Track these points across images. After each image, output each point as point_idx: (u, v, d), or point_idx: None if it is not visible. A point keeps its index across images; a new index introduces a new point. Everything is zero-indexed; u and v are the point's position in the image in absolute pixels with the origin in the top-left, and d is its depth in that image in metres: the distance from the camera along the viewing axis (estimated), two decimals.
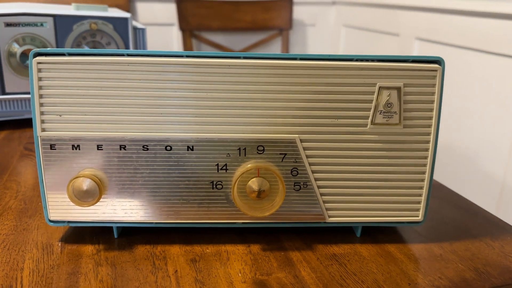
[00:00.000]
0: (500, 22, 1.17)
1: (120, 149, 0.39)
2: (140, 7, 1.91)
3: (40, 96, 0.38)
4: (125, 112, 0.38)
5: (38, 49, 0.38)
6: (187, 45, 1.89)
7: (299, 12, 2.07)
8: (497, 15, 1.17)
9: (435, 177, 1.36)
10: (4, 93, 0.73)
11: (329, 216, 0.42)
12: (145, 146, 0.39)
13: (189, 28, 1.89)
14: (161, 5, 1.92)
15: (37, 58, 0.37)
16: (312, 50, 2.16)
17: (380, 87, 0.39)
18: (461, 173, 1.32)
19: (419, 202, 0.42)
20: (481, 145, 1.25)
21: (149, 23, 1.92)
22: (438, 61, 0.39)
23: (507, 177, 1.17)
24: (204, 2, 1.89)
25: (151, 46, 1.91)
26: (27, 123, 0.77)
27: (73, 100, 0.38)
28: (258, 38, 2.02)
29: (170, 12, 1.93)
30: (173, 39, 1.98)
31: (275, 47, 2.07)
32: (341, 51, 2.08)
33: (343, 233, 0.44)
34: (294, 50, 2.13)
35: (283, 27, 1.98)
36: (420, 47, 1.51)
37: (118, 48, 0.77)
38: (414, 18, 1.52)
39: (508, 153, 1.16)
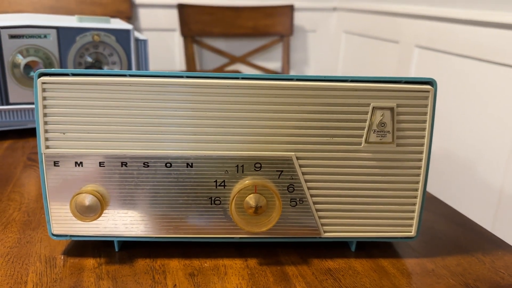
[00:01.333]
0: (499, 31, 1.18)
1: (122, 166, 0.40)
2: (142, 12, 1.93)
3: (45, 115, 0.39)
4: (127, 130, 0.40)
5: (43, 69, 0.39)
6: (188, 51, 1.90)
7: (300, 18, 2.08)
8: (497, 24, 1.18)
9: (432, 188, 1.37)
10: (8, 103, 0.74)
11: (325, 231, 0.43)
12: (146, 163, 0.40)
13: (191, 34, 1.91)
14: (163, 11, 1.94)
15: (42, 78, 0.39)
16: (313, 56, 2.17)
17: (373, 107, 0.40)
18: (459, 182, 1.33)
19: (412, 218, 0.43)
20: (479, 154, 1.26)
21: (151, 28, 1.94)
22: (431, 82, 0.40)
23: (504, 187, 1.18)
24: (206, 8, 1.91)
25: (153, 52, 1.92)
26: (30, 133, 0.78)
27: (76, 118, 0.39)
28: (259, 44, 2.04)
29: (172, 17, 1.95)
30: (174, 44, 2.00)
31: (276, 53, 2.09)
32: (341, 57, 2.09)
33: (338, 248, 0.45)
34: (295, 56, 2.14)
35: (284, 33, 1.99)
36: (420, 54, 1.52)
37: (120, 58, 0.79)
38: (414, 26, 1.54)
39: (506, 163, 1.17)
